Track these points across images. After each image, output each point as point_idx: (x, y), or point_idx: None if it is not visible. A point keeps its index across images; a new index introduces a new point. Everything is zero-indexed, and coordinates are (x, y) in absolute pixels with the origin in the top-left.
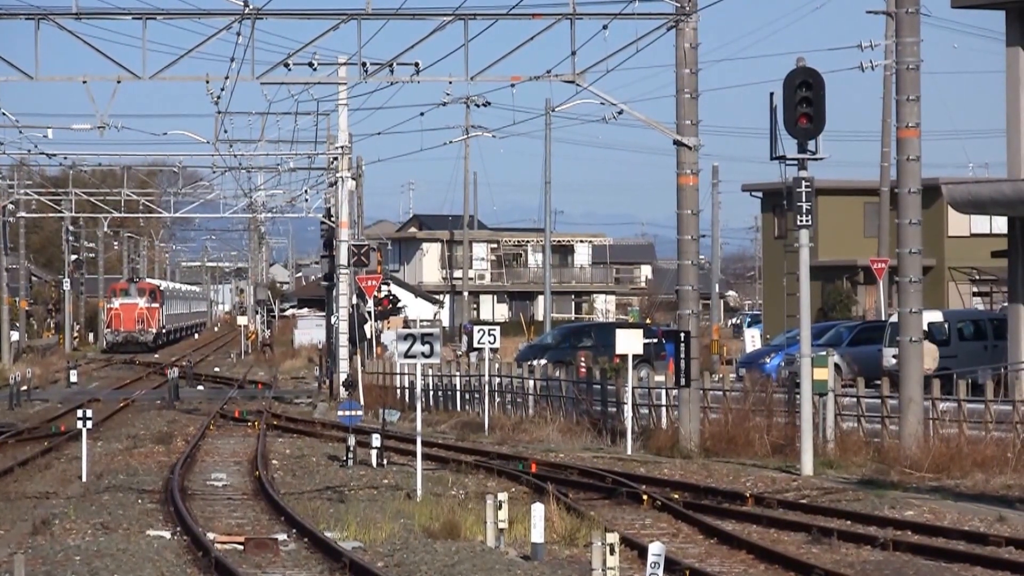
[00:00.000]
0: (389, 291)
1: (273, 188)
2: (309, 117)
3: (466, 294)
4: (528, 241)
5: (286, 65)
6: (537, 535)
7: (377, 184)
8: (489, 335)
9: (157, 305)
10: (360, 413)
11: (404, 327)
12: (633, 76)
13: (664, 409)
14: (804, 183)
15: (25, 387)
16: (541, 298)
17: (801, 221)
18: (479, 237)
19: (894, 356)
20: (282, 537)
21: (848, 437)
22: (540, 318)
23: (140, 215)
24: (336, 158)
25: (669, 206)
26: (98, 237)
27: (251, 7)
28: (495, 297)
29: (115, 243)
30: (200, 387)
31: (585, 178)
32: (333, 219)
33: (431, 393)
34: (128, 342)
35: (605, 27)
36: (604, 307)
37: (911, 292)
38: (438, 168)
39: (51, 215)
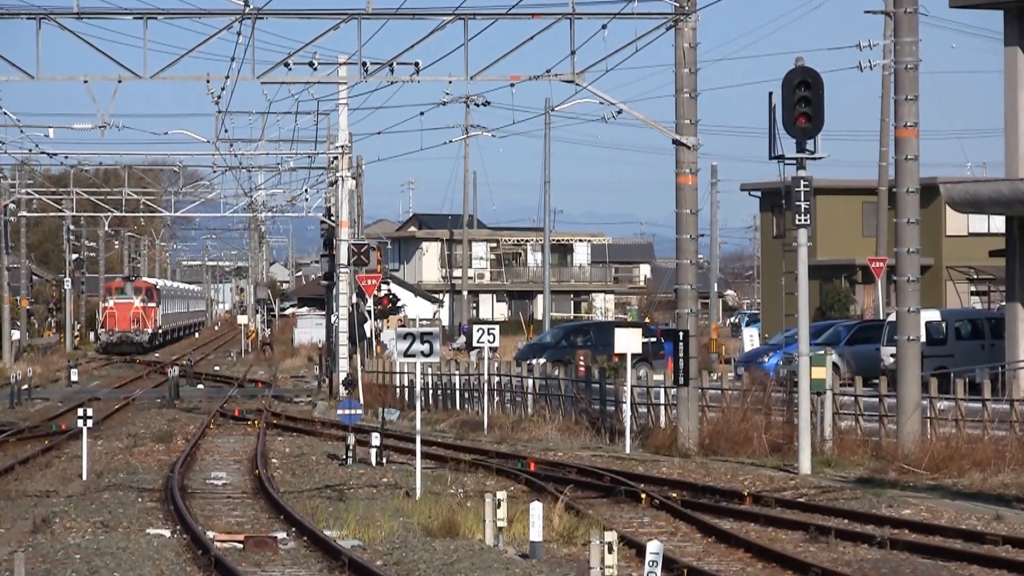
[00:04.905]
0: (389, 290)
1: (273, 187)
2: (309, 117)
3: (465, 293)
4: (527, 240)
5: (286, 65)
6: (536, 534)
7: (377, 183)
8: (488, 334)
9: (154, 304)
10: (360, 412)
11: (400, 326)
12: (632, 76)
13: (663, 408)
14: (803, 182)
15: (26, 386)
16: (540, 297)
17: (799, 220)
18: (479, 236)
19: (892, 355)
20: (281, 535)
21: (846, 436)
22: (539, 317)
23: (141, 214)
24: (336, 157)
25: (668, 205)
26: (99, 236)
27: (251, 7)
28: (494, 296)
29: (116, 242)
30: (200, 386)
31: (585, 177)
32: (333, 218)
33: (430, 392)
34: (123, 342)
35: (604, 27)
36: (603, 306)
37: (909, 291)
38: (438, 167)
39: (52, 214)
